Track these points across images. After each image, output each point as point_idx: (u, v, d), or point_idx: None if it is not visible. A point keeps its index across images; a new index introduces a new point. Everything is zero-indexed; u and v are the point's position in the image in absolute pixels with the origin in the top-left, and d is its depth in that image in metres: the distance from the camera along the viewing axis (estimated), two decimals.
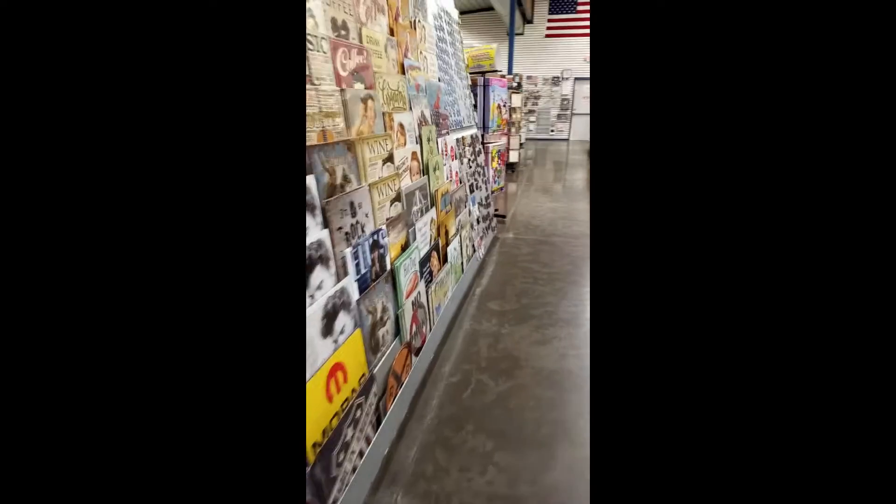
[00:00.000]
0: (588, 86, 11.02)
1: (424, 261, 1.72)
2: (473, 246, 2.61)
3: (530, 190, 5.29)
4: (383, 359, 1.30)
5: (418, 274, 1.62)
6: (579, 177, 6.27)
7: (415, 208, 1.71)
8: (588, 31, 10.43)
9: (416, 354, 1.57)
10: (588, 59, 10.68)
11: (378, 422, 1.25)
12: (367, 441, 1.18)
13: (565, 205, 4.50)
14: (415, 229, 1.65)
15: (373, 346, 1.26)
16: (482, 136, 3.71)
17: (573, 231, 3.56)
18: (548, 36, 10.87)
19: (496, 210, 4.04)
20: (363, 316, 1.21)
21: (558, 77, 11.17)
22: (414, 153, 1.77)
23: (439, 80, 2.39)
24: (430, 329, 1.74)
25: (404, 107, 1.77)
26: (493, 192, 3.73)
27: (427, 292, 1.70)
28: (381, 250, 1.35)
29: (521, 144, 7.76)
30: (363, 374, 1.18)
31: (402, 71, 1.82)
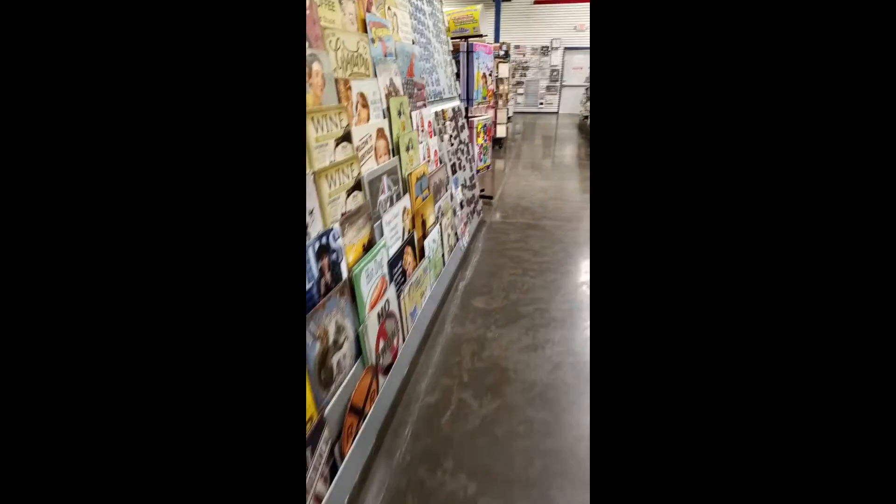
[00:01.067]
0: (578, 56, 10.59)
1: (395, 260, 1.45)
2: (456, 234, 2.34)
3: (519, 167, 5.00)
4: (339, 392, 1.05)
5: (386, 278, 1.35)
6: (569, 153, 5.98)
7: (382, 197, 1.42)
8: None
9: (386, 374, 1.32)
10: (578, 28, 10.21)
11: (333, 471, 1.01)
12: (318, 499, 0.94)
13: (556, 183, 4.23)
14: (381, 223, 1.38)
15: (323, 380, 1.00)
16: (466, 109, 3.39)
17: (565, 213, 3.30)
18: (536, 2, 10.32)
19: (482, 190, 3.76)
20: (308, 344, 0.94)
21: (547, 47, 10.69)
22: (380, 130, 1.47)
23: (413, 43, 2.06)
24: (404, 339, 1.49)
25: (367, 73, 1.46)
26: (478, 171, 3.44)
27: (399, 297, 1.44)
28: (334, 256, 1.07)
29: (508, 118, 7.39)
30: (309, 419, 0.92)
31: (364, 29, 1.50)
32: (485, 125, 3.56)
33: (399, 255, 1.48)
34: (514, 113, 10.44)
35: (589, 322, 1.83)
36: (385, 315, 1.31)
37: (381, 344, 1.28)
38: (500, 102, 5.96)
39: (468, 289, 2.14)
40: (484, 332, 1.77)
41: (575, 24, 10.27)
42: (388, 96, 1.58)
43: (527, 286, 2.15)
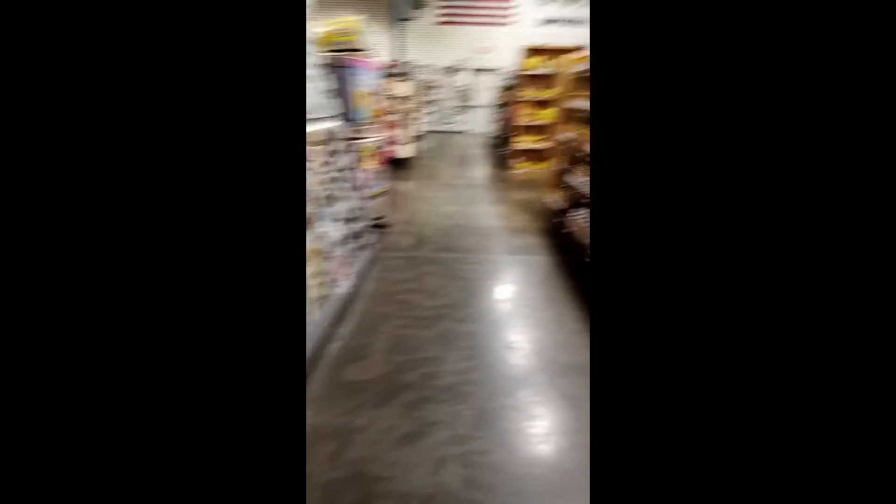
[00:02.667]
0: (485, 78, 10.78)
1: None
2: (331, 281, 1.93)
3: (424, 189, 4.71)
4: None
5: None
6: (478, 174, 5.86)
7: None
8: (483, 20, 10.16)
9: None
10: (481, 51, 10.41)
11: None
12: None
13: (461, 208, 4.00)
14: None
15: None
16: (350, 130, 3.01)
17: (468, 243, 3.04)
18: (441, 23, 10.36)
19: (377, 218, 3.39)
20: None
21: (453, 67, 10.75)
22: None
23: None
24: None
25: None
26: (370, 198, 3.06)
27: None
28: None
29: (419, 137, 7.16)
30: None
31: None
32: (377, 147, 3.21)
33: None
34: (427, 132, 10.30)
35: (498, 386, 1.52)
36: None
37: None
38: (405, 121, 5.68)
39: (342, 354, 1.72)
40: (350, 419, 1.37)
41: (479, 46, 10.46)
42: None
43: (416, 342, 1.80)
